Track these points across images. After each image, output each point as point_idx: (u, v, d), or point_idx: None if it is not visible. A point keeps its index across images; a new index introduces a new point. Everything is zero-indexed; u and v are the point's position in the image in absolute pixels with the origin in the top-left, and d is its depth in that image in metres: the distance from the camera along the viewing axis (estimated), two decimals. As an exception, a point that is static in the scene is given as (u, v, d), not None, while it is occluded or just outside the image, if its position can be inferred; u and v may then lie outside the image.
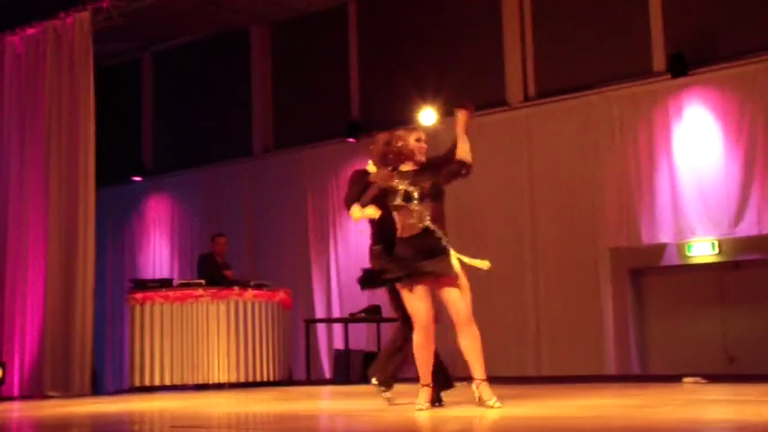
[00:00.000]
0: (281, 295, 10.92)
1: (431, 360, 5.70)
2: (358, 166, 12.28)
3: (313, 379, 11.35)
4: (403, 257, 5.56)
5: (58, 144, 10.80)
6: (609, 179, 10.82)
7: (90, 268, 10.44)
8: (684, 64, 10.36)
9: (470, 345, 5.55)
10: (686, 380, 8.11)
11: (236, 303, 10.37)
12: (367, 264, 6.48)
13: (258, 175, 13.99)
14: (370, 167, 6.16)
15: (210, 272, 10.84)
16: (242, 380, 10.28)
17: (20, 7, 11.76)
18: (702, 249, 10.49)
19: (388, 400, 6.17)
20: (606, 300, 10.81)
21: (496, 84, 11.94)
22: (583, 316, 10.88)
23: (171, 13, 13.15)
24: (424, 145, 5.75)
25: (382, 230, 6.06)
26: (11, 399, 10.16)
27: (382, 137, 6.17)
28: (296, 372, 11.65)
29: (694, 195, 10.30)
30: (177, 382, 10.16)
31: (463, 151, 5.64)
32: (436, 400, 5.88)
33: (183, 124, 15.05)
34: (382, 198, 5.73)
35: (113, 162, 15.43)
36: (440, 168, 5.68)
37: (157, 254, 14.89)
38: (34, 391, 10.28)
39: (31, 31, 11.29)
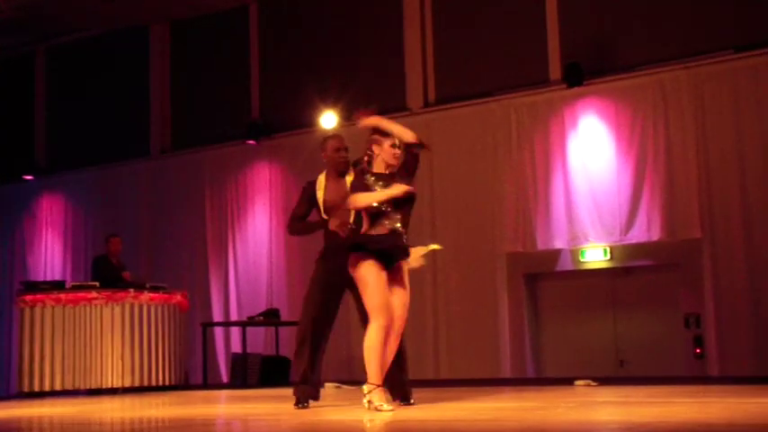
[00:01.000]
0: (177, 298, 10.75)
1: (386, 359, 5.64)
2: (257, 169, 12.32)
3: (210, 383, 11.21)
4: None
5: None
6: (507, 186, 11.00)
7: (-23, 269, 10.09)
8: (580, 74, 10.62)
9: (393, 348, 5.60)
10: (578, 382, 8.29)
11: (132, 306, 10.16)
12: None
13: (156, 176, 13.76)
14: (320, 180, 6.23)
15: (105, 274, 10.60)
16: (137, 384, 10.07)
17: None
18: (595, 255, 10.77)
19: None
20: (502, 304, 10.99)
21: (397, 89, 12.02)
22: (480, 320, 11.04)
23: (67, 7, 12.83)
24: (398, 150, 5.72)
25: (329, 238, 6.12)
26: None
27: (332, 143, 6.27)
28: (192, 376, 11.49)
29: (588, 203, 10.57)
30: (69, 387, 9.89)
31: (401, 135, 5.67)
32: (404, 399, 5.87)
33: (78, 122, 14.67)
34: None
35: (3, 160, 14.99)
36: (410, 171, 5.75)
37: (50, 255, 14.51)
38: None
39: None
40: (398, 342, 5.65)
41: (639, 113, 10.43)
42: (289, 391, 6.36)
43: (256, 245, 12.56)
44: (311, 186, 6.31)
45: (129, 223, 13.41)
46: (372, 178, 5.69)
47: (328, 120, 12.09)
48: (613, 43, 10.86)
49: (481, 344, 11.00)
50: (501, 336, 10.93)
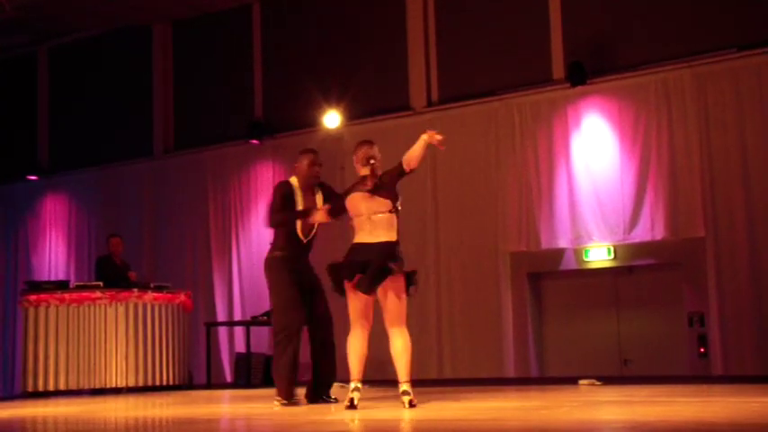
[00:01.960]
0: (181, 297, 10.75)
1: None
2: (260, 169, 12.37)
3: (214, 383, 11.21)
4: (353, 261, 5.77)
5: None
6: (510, 185, 11.00)
7: (-20, 270, 10.10)
8: (583, 73, 10.61)
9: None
10: (582, 382, 8.29)
11: (136, 306, 10.17)
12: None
13: (159, 176, 13.77)
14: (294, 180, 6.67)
15: (109, 273, 10.60)
16: (140, 384, 10.08)
17: None
18: (599, 255, 10.76)
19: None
20: (506, 304, 10.98)
21: (400, 88, 12.02)
22: (483, 319, 11.03)
23: (69, 7, 12.84)
24: (375, 162, 5.94)
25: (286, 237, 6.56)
26: None
27: (308, 158, 6.67)
28: (196, 375, 11.49)
29: (591, 202, 10.56)
30: (73, 386, 9.90)
31: (408, 155, 5.82)
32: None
33: (81, 122, 14.68)
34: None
35: (7, 160, 15.00)
36: (391, 182, 5.88)
37: (53, 255, 14.52)
38: None
39: None
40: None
41: (642, 112, 10.42)
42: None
43: (260, 244, 12.53)
44: (288, 186, 6.65)
45: (133, 223, 13.42)
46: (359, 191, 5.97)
47: (331, 119, 12.09)
48: (616, 42, 10.85)
49: (485, 343, 11.00)
50: (504, 335, 10.92)
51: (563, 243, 10.75)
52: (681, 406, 5.47)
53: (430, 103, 11.90)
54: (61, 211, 14.60)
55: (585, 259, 10.86)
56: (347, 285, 5.78)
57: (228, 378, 12.18)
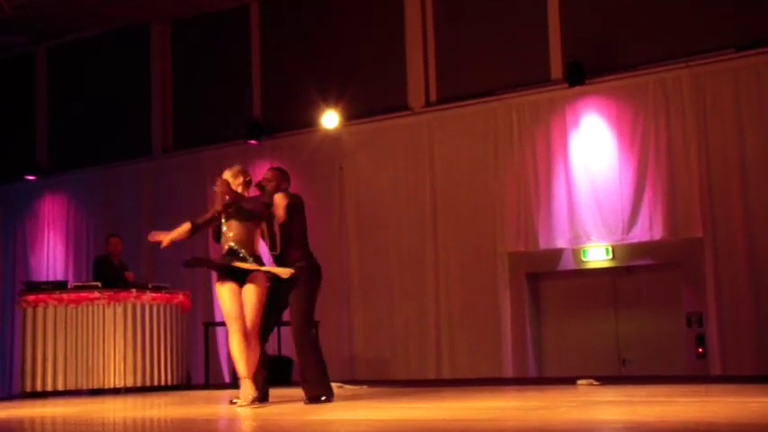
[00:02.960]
0: (180, 297, 10.75)
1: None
2: (259, 169, 12.50)
3: (212, 383, 11.21)
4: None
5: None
6: (508, 185, 11.00)
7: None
8: (581, 73, 10.61)
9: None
10: (580, 382, 8.30)
11: (134, 306, 10.16)
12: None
13: (158, 176, 13.76)
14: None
15: (107, 274, 10.60)
16: (139, 384, 10.07)
17: None
18: (597, 255, 10.76)
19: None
20: (504, 304, 10.99)
21: (399, 88, 12.02)
22: (482, 320, 11.04)
23: (68, 6, 12.83)
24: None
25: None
26: None
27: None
28: (195, 375, 11.49)
29: (590, 202, 10.57)
30: (71, 387, 9.89)
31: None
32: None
33: (80, 122, 14.67)
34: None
35: (5, 160, 14.98)
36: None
37: (52, 255, 14.50)
38: None
39: None
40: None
41: (641, 112, 10.42)
42: (290, 391, 6.39)
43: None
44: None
45: (131, 223, 13.40)
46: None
47: (330, 119, 12.09)
48: (615, 42, 10.85)
49: (483, 343, 11.00)
50: (503, 335, 10.92)
51: (561, 243, 10.75)
52: (679, 406, 5.47)
53: (428, 104, 11.90)
54: (59, 211, 14.59)
55: (584, 259, 10.86)
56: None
57: (227, 378, 12.16)
